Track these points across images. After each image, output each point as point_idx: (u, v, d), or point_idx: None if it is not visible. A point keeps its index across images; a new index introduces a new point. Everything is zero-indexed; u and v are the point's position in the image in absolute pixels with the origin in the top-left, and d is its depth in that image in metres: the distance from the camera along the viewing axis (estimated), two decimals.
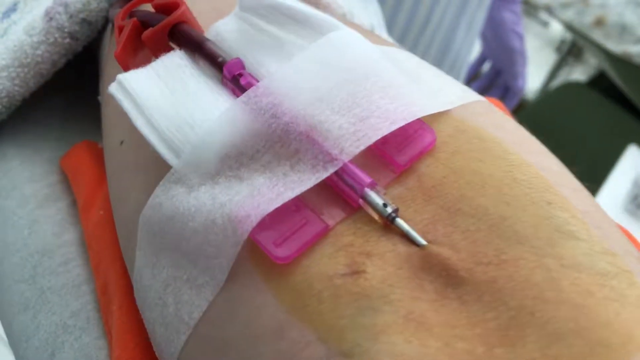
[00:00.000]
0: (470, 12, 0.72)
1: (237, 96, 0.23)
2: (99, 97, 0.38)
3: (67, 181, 0.37)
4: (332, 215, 0.21)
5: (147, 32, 0.25)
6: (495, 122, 0.24)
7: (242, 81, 0.23)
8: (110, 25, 0.36)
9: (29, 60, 0.36)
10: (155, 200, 0.23)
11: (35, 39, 0.36)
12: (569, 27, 1.46)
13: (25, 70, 0.37)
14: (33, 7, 0.39)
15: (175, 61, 0.25)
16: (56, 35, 0.36)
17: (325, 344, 0.19)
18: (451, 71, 0.77)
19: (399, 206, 0.21)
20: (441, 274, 0.19)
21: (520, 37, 0.89)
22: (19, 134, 0.39)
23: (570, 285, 0.18)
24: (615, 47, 1.39)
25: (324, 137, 0.22)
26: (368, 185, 0.21)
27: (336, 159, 0.21)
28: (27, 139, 0.39)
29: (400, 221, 0.20)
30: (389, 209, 0.20)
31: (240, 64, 0.24)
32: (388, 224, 0.21)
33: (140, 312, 0.25)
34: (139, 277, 0.25)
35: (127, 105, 0.24)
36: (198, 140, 0.22)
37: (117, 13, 0.28)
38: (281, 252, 0.20)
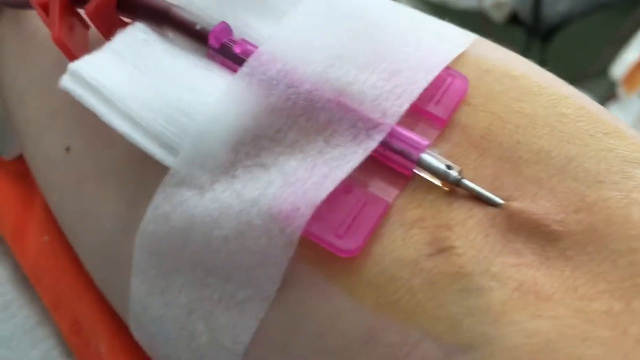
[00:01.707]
0: None
1: (232, 69, 0.19)
2: None
3: None
4: (384, 190, 0.18)
5: (91, 5, 0.20)
6: (510, 56, 0.22)
7: (237, 49, 0.19)
8: None
9: None
10: (157, 211, 0.19)
11: None
12: None
13: None
14: None
15: (138, 37, 0.20)
16: None
17: (437, 341, 0.16)
18: None
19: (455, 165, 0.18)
20: (532, 233, 0.17)
21: None
22: None
23: None
24: None
25: (359, 100, 0.18)
26: (424, 149, 0.18)
27: (381, 124, 0.18)
28: None
29: (467, 182, 0.18)
30: (454, 172, 0.18)
31: (227, 28, 0.19)
32: (453, 189, 0.18)
33: (149, 349, 0.21)
34: (140, 309, 0.20)
35: (90, 100, 0.19)
36: (199, 129, 0.18)
37: None
38: (347, 243, 0.17)
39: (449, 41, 0.21)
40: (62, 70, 0.24)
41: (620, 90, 1.18)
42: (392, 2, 0.22)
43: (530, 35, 1.33)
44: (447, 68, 0.20)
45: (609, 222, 0.17)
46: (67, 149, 0.23)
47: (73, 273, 0.25)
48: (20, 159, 0.31)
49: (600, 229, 0.17)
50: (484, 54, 0.21)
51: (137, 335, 0.21)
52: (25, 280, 0.27)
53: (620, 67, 1.20)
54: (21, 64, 0.26)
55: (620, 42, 1.23)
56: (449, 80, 0.20)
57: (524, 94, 0.20)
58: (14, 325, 0.26)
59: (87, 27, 0.22)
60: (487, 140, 0.19)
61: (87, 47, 0.21)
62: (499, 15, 1.33)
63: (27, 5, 0.24)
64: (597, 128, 0.19)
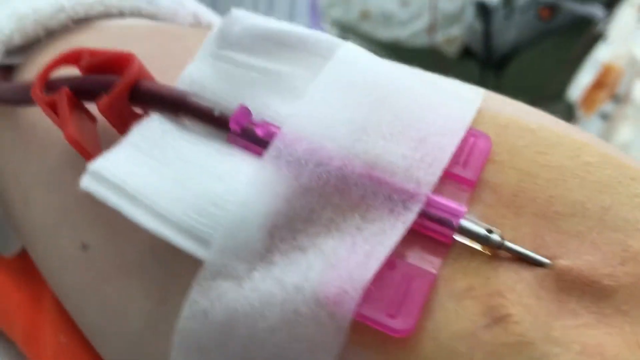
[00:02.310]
0: None
1: (254, 152, 0.19)
2: None
3: None
4: (426, 260, 0.18)
5: (104, 100, 0.20)
6: (521, 107, 0.22)
7: (259, 132, 0.19)
8: None
9: None
10: (195, 307, 0.18)
11: None
12: (337, 24, 1.52)
13: None
14: None
15: (156, 128, 0.20)
16: None
17: None
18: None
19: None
20: (585, 290, 0.17)
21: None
22: None
23: None
24: (384, 34, 1.47)
25: (390, 172, 0.18)
26: (463, 215, 0.18)
27: (416, 194, 0.18)
28: None
29: (510, 244, 0.17)
30: (496, 235, 0.17)
31: (247, 111, 0.19)
32: (495, 252, 0.18)
33: None
34: None
35: (115, 199, 0.18)
36: (232, 218, 0.18)
37: (30, 89, 0.22)
38: (401, 322, 0.16)
39: (464, 100, 0.21)
40: (70, 165, 0.23)
41: (579, 112, 1.21)
42: (403, 66, 0.22)
43: (484, 66, 1.37)
44: (469, 128, 0.20)
45: None
46: (84, 247, 0.22)
47: None
48: (22, 256, 0.30)
49: None
50: (498, 109, 0.21)
51: None
52: None
53: (576, 90, 1.23)
54: (23, 162, 0.25)
55: (573, 65, 1.27)
56: (471, 140, 0.20)
57: (547, 147, 0.20)
58: None
59: (94, 120, 0.22)
60: (519, 198, 0.19)
61: (97, 141, 0.21)
62: (451, 50, 1.36)
63: (27, 102, 0.23)
64: (623, 174, 0.19)
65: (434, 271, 0.17)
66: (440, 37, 1.38)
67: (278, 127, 0.19)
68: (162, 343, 0.19)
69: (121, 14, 0.31)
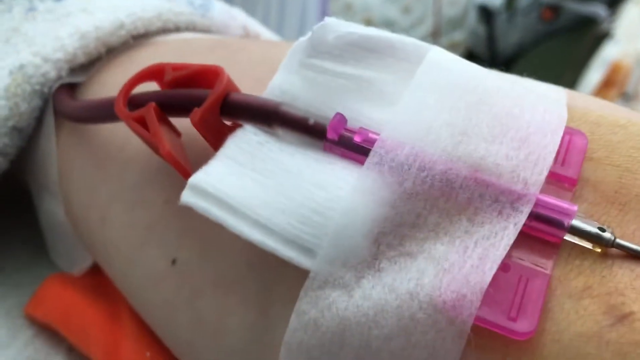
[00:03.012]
0: None
1: (355, 160, 0.19)
2: (56, 220, 0.30)
3: (45, 333, 0.29)
4: (537, 261, 0.18)
5: (196, 114, 0.20)
6: (600, 103, 0.22)
7: (357, 139, 0.19)
8: (49, 126, 0.29)
9: None
10: (304, 318, 0.18)
11: None
12: None
13: None
14: None
15: (251, 140, 0.20)
16: None
17: None
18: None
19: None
20: None
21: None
22: None
23: None
24: None
25: (496, 173, 0.18)
26: (574, 214, 0.17)
27: (525, 194, 0.18)
28: None
29: (623, 242, 0.17)
30: (608, 234, 0.17)
31: (343, 119, 0.19)
32: (606, 250, 0.17)
33: None
34: None
35: (217, 212, 0.18)
36: (337, 227, 0.18)
37: (116, 104, 0.22)
38: (522, 325, 0.16)
39: (551, 98, 0.21)
40: (151, 181, 0.23)
41: None
42: (489, 69, 0.22)
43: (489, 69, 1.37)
44: (566, 126, 0.20)
45: None
46: (174, 262, 0.22)
47: None
48: (92, 273, 0.30)
49: None
50: (585, 106, 0.21)
51: None
52: None
53: (585, 89, 1.22)
54: (99, 180, 0.25)
55: (579, 65, 1.26)
56: (567, 138, 0.19)
57: (638, 142, 0.20)
58: None
59: (179, 134, 0.22)
60: (622, 194, 0.18)
61: (186, 156, 0.21)
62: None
63: (107, 120, 0.23)
64: None
65: (547, 272, 0.17)
66: (444, 42, 1.38)
67: (377, 133, 0.19)
68: (265, 356, 0.19)
69: (177, 29, 0.31)
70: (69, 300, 0.28)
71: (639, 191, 0.18)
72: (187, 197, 0.18)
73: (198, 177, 0.19)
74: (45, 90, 0.28)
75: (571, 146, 0.19)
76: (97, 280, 0.28)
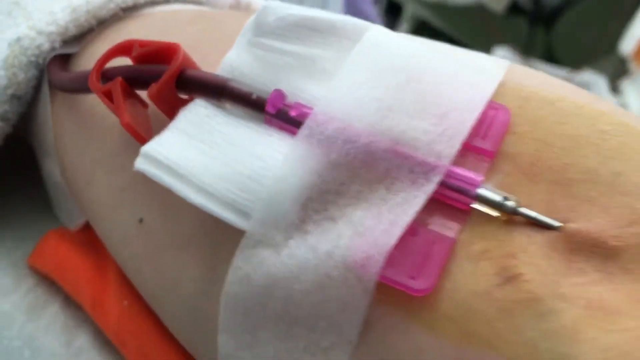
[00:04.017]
0: None
1: (289, 132, 0.21)
2: (55, 180, 0.33)
3: (46, 282, 0.32)
4: (446, 227, 0.19)
5: (153, 88, 0.22)
6: (543, 79, 0.23)
7: (293, 113, 0.21)
8: (45, 94, 0.31)
9: None
10: (239, 273, 0.20)
11: None
12: None
13: None
14: None
15: (200, 112, 0.22)
16: None
17: None
18: None
19: (509, 194, 0.19)
20: (593, 251, 0.18)
21: (370, 2, 0.91)
22: None
23: None
24: None
25: (413, 146, 0.20)
26: (479, 184, 0.19)
27: (437, 166, 0.19)
28: None
29: (524, 210, 0.19)
30: (511, 202, 0.19)
31: (282, 95, 0.21)
32: (510, 218, 0.19)
33: None
34: None
35: (166, 178, 0.21)
36: (269, 192, 0.20)
37: (87, 78, 0.24)
38: (421, 283, 0.18)
39: (487, 74, 0.22)
40: (126, 148, 0.26)
41: (632, 66, 1.18)
42: (429, 44, 0.23)
43: (533, 22, 1.34)
44: (490, 101, 0.21)
45: None
46: (141, 221, 0.24)
47: (158, 334, 0.26)
48: (85, 229, 0.32)
49: None
50: (520, 82, 0.22)
51: None
52: (108, 345, 0.29)
53: (629, 43, 1.19)
54: (84, 144, 0.28)
55: (625, 18, 1.23)
56: (492, 113, 0.21)
57: (565, 116, 0.21)
58: None
59: (146, 105, 0.24)
60: (536, 166, 0.20)
61: (150, 126, 0.23)
62: (498, 7, 1.34)
63: (86, 91, 0.26)
64: (637, 140, 0.20)
65: (453, 236, 0.19)
66: None
67: (310, 108, 0.21)
68: (212, 306, 0.22)
69: (166, 0, 0.33)
70: (64, 253, 0.31)
71: (552, 163, 0.20)
72: (140, 164, 0.21)
73: (150, 147, 0.21)
74: (40, 61, 0.30)
75: (494, 121, 0.21)
76: (88, 235, 0.31)
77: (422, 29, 1.57)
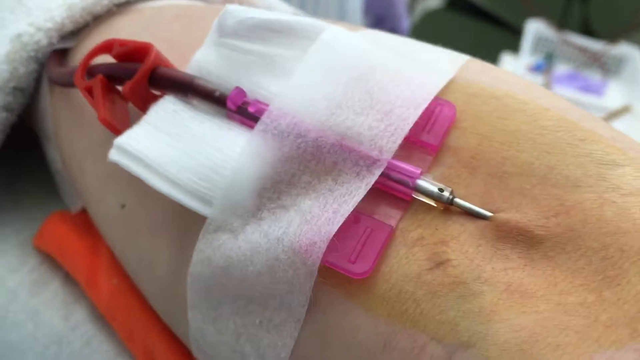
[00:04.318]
0: None
1: (250, 127, 0.23)
2: (57, 166, 0.35)
3: (49, 261, 0.35)
4: (389, 215, 0.21)
5: (127, 86, 0.24)
6: (496, 75, 0.24)
7: (251, 109, 0.22)
8: (45, 87, 0.33)
9: None
10: (201, 255, 0.22)
11: None
12: None
13: None
14: None
15: (168, 108, 0.24)
16: None
17: (440, 342, 0.19)
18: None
19: (449, 186, 0.21)
20: (518, 239, 0.20)
21: None
22: None
23: None
24: None
25: (358, 141, 0.21)
26: (418, 176, 0.21)
27: (379, 160, 0.21)
28: None
29: (459, 201, 0.20)
30: (446, 193, 0.20)
31: (242, 92, 0.23)
32: (448, 207, 0.21)
33: None
34: (199, 337, 0.24)
35: (135, 168, 0.23)
36: (227, 182, 0.21)
37: (74, 75, 0.26)
38: (359, 267, 0.20)
39: (437, 72, 0.23)
40: (110, 140, 0.28)
41: None
42: (389, 43, 0.25)
43: None
44: (436, 98, 0.22)
45: (585, 223, 0.19)
46: (123, 207, 0.27)
47: (141, 309, 0.29)
48: (83, 211, 0.35)
49: (577, 229, 0.19)
50: (472, 78, 0.24)
51: (200, 358, 0.25)
52: (101, 319, 0.32)
53: None
54: (76, 135, 0.30)
55: None
56: (437, 109, 0.22)
57: (508, 112, 0.22)
58: (98, 358, 0.30)
59: (126, 101, 0.26)
60: (476, 159, 0.21)
61: (127, 119, 0.25)
62: None
63: (74, 86, 0.28)
64: (575, 136, 0.21)
65: (393, 224, 0.21)
66: None
67: (267, 105, 0.22)
68: (182, 285, 0.24)
69: None
70: (64, 234, 0.34)
71: (491, 157, 0.21)
72: (113, 155, 0.23)
73: (121, 140, 0.23)
74: (39, 55, 0.32)
75: (440, 116, 0.22)
76: (85, 218, 0.33)
77: (456, 3, 1.57)
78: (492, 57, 1.44)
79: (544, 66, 1.40)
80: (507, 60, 1.43)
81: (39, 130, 0.37)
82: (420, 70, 0.23)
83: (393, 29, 0.99)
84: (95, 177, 0.28)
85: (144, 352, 0.28)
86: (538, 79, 1.35)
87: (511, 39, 1.45)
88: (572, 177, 0.20)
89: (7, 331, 0.32)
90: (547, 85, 1.31)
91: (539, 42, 1.42)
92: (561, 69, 1.42)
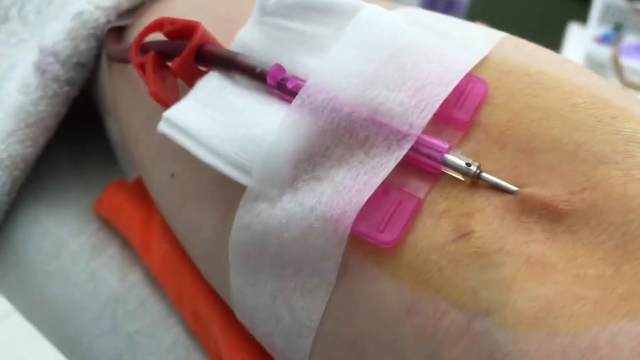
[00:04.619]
0: None
1: (288, 101, 0.24)
2: (114, 137, 0.37)
3: (107, 226, 0.37)
4: (418, 188, 0.22)
5: (175, 62, 0.25)
6: (530, 53, 0.25)
7: (289, 85, 0.24)
8: (104, 62, 0.36)
9: (33, 119, 0.36)
10: (241, 222, 0.23)
11: (33, 96, 0.35)
12: None
13: (33, 129, 0.36)
14: (15, 63, 0.38)
15: (213, 83, 0.25)
16: (54, 86, 0.35)
17: (461, 309, 0.20)
18: None
19: (478, 161, 0.22)
20: (542, 213, 0.20)
21: None
22: (41, 193, 0.39)
23: None
24: None
25: (389, 116, 0.22)
26: (446, 151, 0.21)
27: (409, 134, 0.22)
28: (51, 196, 0.39)
29: (486, 175, 0.21)
30: (473, 167, 0.21)
31: (281, 69, 0.24)
32: (475, 181, 0.21)
33: (250, 329, 0.26)
34: (240, 298, 0.25)
35: (183, 140, 0.24)
36: (266, 154, 0.23)
37: (129, 51, 0.28)
38: (387, 236, 0.21)
39: (471, 50, 0.24)
40: (161, 113, 0.29)
41: None
42: (427, 20, 0.25)
43: None
44: (468, 75, 0.23)
45: (609, 198, 0.20)
46: (172, 176, 0.28)
47: (190, 273, 0.31)
48: (139, 180, 0.37)
49: (600, 205, 0.20)
50: (506, 55, 0.24)
51: (240, 318, 0.26)
52: (155, 282, 0.34)
53: None
54: (132, 109, 0.32)
55: None
56: (470, 86, 0.23)
57: (540, 90, 0.23)
58: (151, 317, 0.32)
59: (174, 76, 0.27)
60: (505, 135, 0.22)
61: (177, 93, 0.27)
62: None
63: (128, 62, 0.30)
64: (606, 113, 0.22)
65: (421, 196, 0.22)
66: None
67: (304, 81, 0.23)
68: (225, 248, 0.25)
69: None
70: (121, 202, 0.36)
71: (520, 133, 0.22)
72: (162, 127, 0.25)
73: (169, 113, 0.25)
74: (98, 32, 0.34)
75: (471, 93, 0.23)
76: (141, 186, 0.36)
77: None
78: (558, 27, 1.40)
79: (613, 37, 1.35)
80: (574, 31, 1.38)
81: (99, 104, 0.39)
82: (454, 48, 0.24)
83: (450, 1, 0.98)
84: (148, 147, 0.30)
85: (192, 312, 0.30)
86: (606, 50, 1.30)
87: (579, 9, 1.41)
88: (600, 153, 0.21)
89: (70, 290, 0.35)
90: (616, 56, 1.26)
91: (608, 11, 1.37)
92: (631, 39, 1.37)
